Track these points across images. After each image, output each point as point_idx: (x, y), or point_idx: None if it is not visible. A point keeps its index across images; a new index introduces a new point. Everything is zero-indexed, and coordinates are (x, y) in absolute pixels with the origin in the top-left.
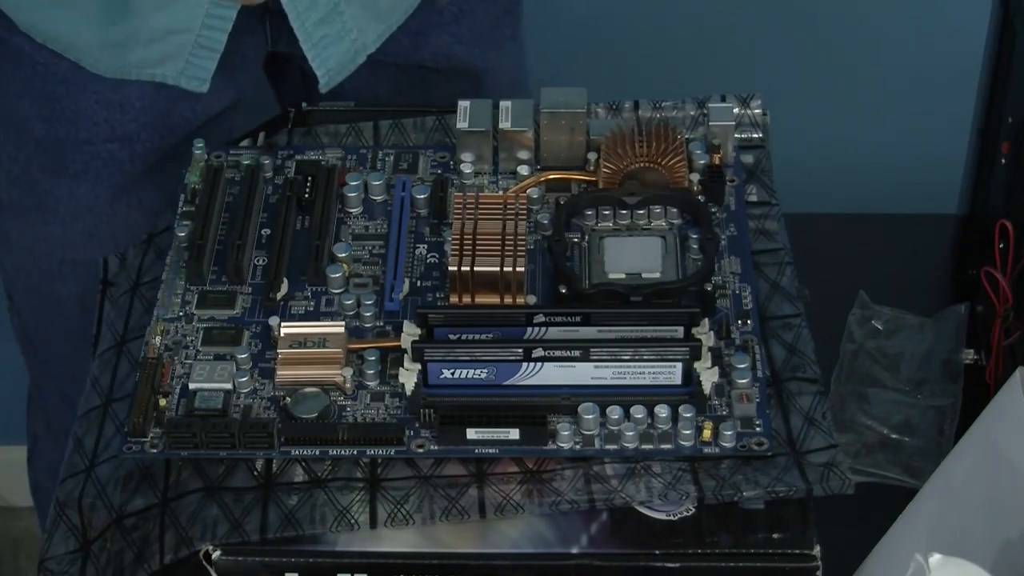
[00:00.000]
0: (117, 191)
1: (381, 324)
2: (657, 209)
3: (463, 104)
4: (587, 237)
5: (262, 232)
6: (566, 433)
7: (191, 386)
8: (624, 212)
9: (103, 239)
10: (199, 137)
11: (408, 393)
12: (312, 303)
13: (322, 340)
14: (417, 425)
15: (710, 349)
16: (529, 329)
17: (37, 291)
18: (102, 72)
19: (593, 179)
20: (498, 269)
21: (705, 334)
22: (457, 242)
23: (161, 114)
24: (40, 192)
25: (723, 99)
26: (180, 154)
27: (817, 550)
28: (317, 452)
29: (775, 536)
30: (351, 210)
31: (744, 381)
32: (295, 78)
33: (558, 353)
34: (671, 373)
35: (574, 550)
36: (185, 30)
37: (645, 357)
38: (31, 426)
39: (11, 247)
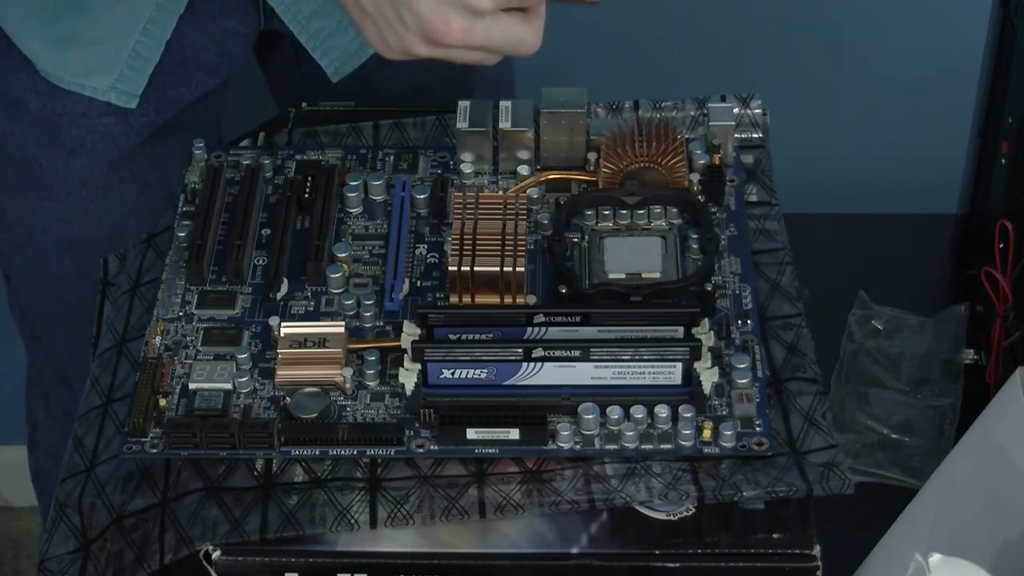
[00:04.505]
0: (112, 165)
1: (381, 324)
2: (657, 209)
3: (463, 104)
4: (587, 237)
5: (262, 232)
6: (566, 433)
7: (191, 386)
8: (624, 212)
9: (98, 214)
10: (193, 113)
11: (408, 393)
12: (312, 303)
13: (322, 340)
14: (417, 425)
15: (710, 349)
16: (529, 329)
17: (33, 270)
18: (39, 70)
19: (593, 179)
20: (498, 269)
21: (705, 334)
22: (457, 242)
23: (156, 88)
24: (36, 167)
25: (723, 99)
26: (174, 129)
27: (817, 550)
28: (317, 452)
29: (775, 536)
30: (351, 210)
31: (744, 381)
32: (288, 58)
33: (558, 353)
34: (671, 373)
35: (574, 550)
36: (127, 33)
37: (645, 357)
38: (30, 410)
39: (7, 225)
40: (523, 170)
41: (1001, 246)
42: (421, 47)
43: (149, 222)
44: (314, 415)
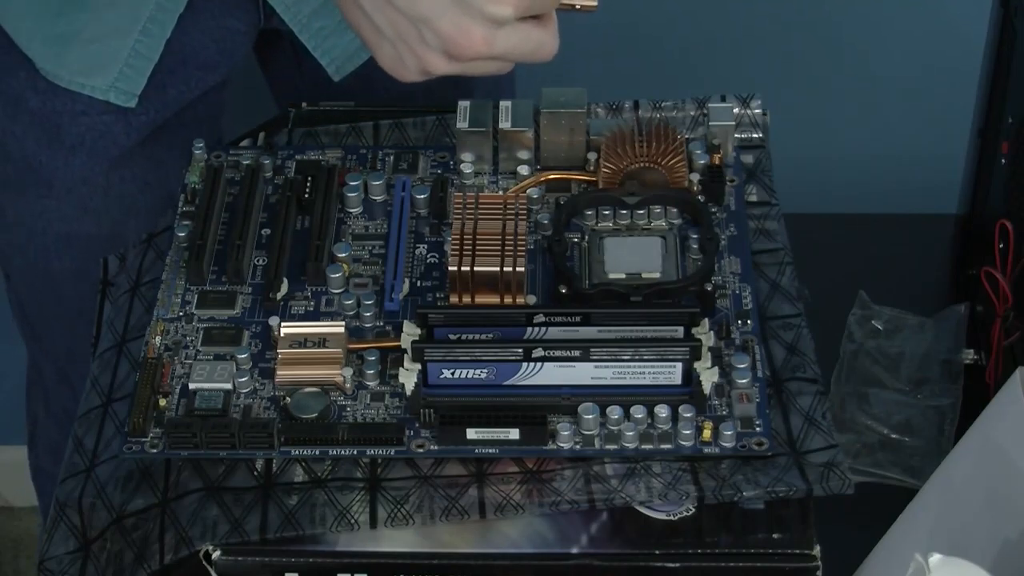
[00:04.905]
0: (112, 163)
1: (381, 324)
2: (657, 209)
3: (463, 104)
4: (587, 237)
5: (262, 232)
6: (566, 433)
7: (191, 386)
8: (624, 212)
9: (98, 212)
10: (193, 112)
11: (408, 393)
12: (312, 303)
13: (322, 340)
14: (417, 425)
15: (710, 349)
16: (529, 329)
17: (33, 268)
18: (39, 68)
19: (593, 179)
20: (498, 269)
21: (705, 334)
22: (457, 242)
23: (156, 87)
24: (36, 165)
25: (723, 99)
26: (174, 128)
27: (817, 550)
28: (317, 452)
29: (775, 536)
30: (351, 210)
31: (744, 381)
32: (288, 58)
33: (558, 353)
34: (671, 373)
35: (574, 550)
36: (127, 32)
37: (645, 357)
38: (30, 409)
39: (7, 223)
40: (523, 170)
41: (1001, 246)
42: (442, 64)
43: (149, 221)
44: (314, 415)
